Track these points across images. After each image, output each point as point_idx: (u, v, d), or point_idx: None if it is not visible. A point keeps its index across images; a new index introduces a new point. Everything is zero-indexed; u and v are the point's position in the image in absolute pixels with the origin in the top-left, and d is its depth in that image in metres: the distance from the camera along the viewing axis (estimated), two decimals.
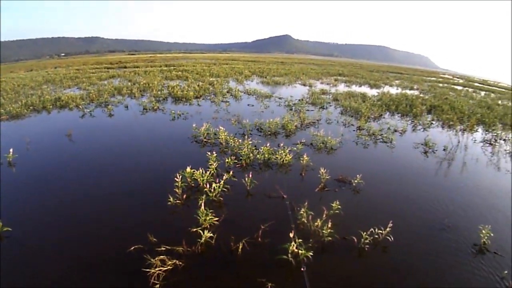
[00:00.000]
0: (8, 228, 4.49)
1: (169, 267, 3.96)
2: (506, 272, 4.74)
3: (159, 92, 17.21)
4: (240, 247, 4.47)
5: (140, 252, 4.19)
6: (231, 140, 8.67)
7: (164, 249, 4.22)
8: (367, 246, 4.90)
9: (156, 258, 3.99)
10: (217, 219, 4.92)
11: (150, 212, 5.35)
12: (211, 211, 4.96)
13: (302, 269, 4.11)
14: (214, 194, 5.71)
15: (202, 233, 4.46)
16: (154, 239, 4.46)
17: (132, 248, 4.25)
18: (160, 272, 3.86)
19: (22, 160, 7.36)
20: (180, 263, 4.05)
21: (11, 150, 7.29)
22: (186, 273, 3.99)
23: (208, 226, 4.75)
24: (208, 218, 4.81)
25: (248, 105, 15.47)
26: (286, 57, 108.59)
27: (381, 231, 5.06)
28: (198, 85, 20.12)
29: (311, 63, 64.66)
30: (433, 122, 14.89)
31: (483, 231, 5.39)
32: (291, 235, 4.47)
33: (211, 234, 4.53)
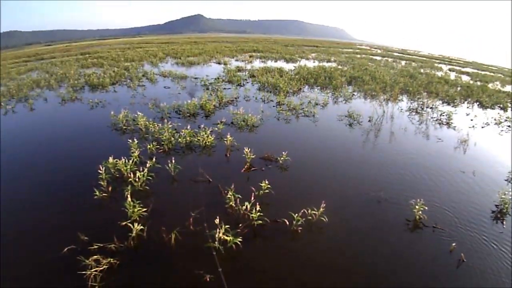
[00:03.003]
0: None
1: (104, 267, 3.97)
2: (454, 244, 4.64)
3: (76, 82, 15.86)
4: (173, 237, 4.50)
5: (73, 253, 4.18)
6: (151, 125, 8.70)
7: (96, 247, 4.29)
8: (300, 228, 4.85)
9: (90, 259, 3.98)
10: (145, 209, 5.06)
11: (77, 208, 5.35)
12: (138, 202, 5.04)
13: (219, 269, 4.02)
14: (139, 183, 5.87)
15: (132, 227, 4.57)
16: (85, 238, 4.48)
17: (66, 249, 4.25)
18: (96, 273, 3.86)
19: None
20: (115, 261, 4.09)
21: None
22: (122, 271, 4.02)
23: (138, 218, 4.91)
24: (136, 210, 4.95)
25: (165, 87, 15.33)
26: (199, 36, 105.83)
27: (314, 212, 5.00)
28: (114, 71, 18.98)
29: (225, 41, 64.19)
30: (355, 94, 15.42)
31: (417, 206, 5.25)
32: (217, 221, 4.52)
33: (142, 227, 4.64)
